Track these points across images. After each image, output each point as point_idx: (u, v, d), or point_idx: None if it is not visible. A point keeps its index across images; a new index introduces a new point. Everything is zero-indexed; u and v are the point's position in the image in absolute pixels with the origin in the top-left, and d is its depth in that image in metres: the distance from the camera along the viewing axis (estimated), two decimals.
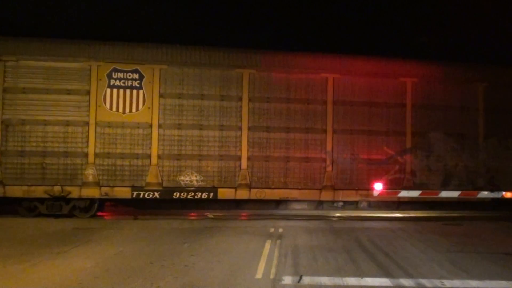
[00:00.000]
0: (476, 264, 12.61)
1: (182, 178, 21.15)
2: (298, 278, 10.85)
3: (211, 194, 21.31)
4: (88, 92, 20.76)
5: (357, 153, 22.28)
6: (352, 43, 34.93)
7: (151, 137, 21.10)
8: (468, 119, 23.13)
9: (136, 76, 21.03)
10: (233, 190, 21.50)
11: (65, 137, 20.66)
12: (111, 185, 20.80)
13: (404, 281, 10.74)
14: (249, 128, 21.65)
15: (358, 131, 22.37)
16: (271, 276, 11.03)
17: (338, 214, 23.44)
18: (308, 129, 22.07)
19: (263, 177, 21.72)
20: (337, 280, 10.72)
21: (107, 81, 20.83)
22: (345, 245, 15.14)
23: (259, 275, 11.16)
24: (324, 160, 22.08)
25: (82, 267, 11.52)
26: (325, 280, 10.73)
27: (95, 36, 22.30)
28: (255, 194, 21.55)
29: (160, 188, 21.00)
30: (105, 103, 20.77)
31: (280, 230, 18.15)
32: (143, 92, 21.01)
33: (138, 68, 21.06)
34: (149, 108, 21.02)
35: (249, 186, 21.50)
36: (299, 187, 21.94)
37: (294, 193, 21.94)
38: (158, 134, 21.10)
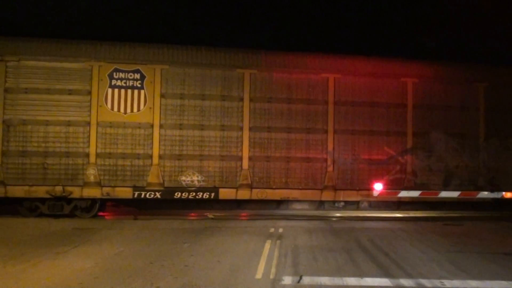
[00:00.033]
0: (476, 264, 12.65)
1: (184, 178, 21.18)
2: (298, 278, 10.86)
3: (212, 194, 21.35)
4: (89, 92, 20.80)
5: (358, 153, 22.35)
6: (353, 43, 34.94)
7: (152, 137, 21.15)
8: (468, 119, 23.21)
9: (137, 76, 21.07)
10: (234, 190, 21.56)
11: (66, 137, 20.69)
12: (113, 185, 20.85)
13: (404, 281, 10.77)
14: (250, 128, 21.71)
15: (359, 131, 22.45)
16: (271, 276, 11.03)
17: (338, 214, 23.49)
18: (309, 129, 22.14)
19: (264, 177, 21.77)
20: (337, 280, 10.73)
21: (109, 81, 20.88)
22: (345, 245, 15.19)
23: (259, 275, 11.17)
24: (325, 160, 22.13)
25: (82, 267, 11.55)
26: (325, 280, 10.74)
27: (96, 36, 22.34)
28: (256, 194, 21.59)
29: (162, 188, 21.05)
30: (106, 103, 20.80)
31: (280, 230, 18.19)
32: (145, 92, 21.05)
33: (140, 68, 21.09)
34: (150, 108, 21.08)
35: (250, 186, 21.55)
36: (300, 187, 22.00)
37: (295, 193, 22.00)
38: (160, 134, 21.15)
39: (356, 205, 23.44)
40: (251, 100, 21.76)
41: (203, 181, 21.32)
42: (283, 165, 21.88)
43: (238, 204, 23.39)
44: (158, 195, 20.98)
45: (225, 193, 21.56)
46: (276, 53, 22.59)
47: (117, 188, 20.83)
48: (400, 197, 22.55)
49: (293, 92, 22.13)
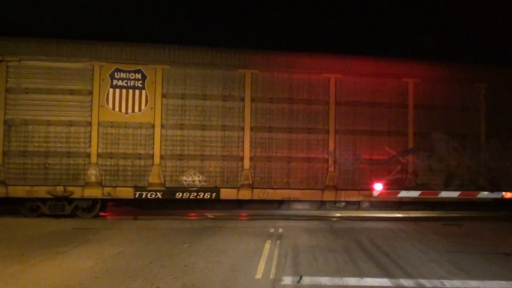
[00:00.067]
0: (476, 264, 12.73)
1: (185, 178, 21.21)
2: (298, 278, 10.93)
3: (214, 195, 21.38)
4: (90, 92, 20.83)
5: (359, 153, 22.37)
6: (354, 43, 34.98)
7: (153, 137, 21.19)
8: (469, 119, 23.26)
9: (138, 76, 21.10)
10: (235, 190, 21.59)
11: (67, 137, 20.71)
12: (114, 185, 20.88)
13: (404, 281, 10.83)
14: (251, 129, 21.75)
15: (360, 131, 22.50)
16: (271, 276, 11.09)
17: (338, 214, 23.59)
18: (310, 130, 22.18)
19: (265, 178, 21.80)
20: (337, 281, 10.80)
21: (110, 81, 20.92)
22: (345, 245, 15.25)
23: (259, 275, 11.23)
24: (326, 161, 22.17)
25: (82, 267, 11.62)
26: (325, 280, 10.82)
27: (97, 36, 22.38)
28: (258, 194, 21.61)
29: (163, 188, 21.08)
30: (107, 103, 20.82)
31: (280, 230, 18.27)
32: (146, 92, 21.08)
33: (141, 68, 21.13)
34: (151, 108, 21.11)
35: (252, 187, 21.60)
36: (301, 188, 22.04)
37: (296, 194, 22.03)
38: (161, 134, 21.19)
39: (357, 205, 23.43)
40: (252, 100, 21.80)
41: (204, 181, 21.34)
42: (284, 165, 21.92)
43: (239, 204, 23.37)
44: (159, 195, 21.01)
45: (226, 193, 21.58)
46: (278, 53, 22.66)
47: (118, 188, 20.85)
48: (401, 197, 22.56)
49: (294, 92, 22.18)
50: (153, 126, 21.14)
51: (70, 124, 20.69)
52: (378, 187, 22.12)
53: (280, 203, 23.44)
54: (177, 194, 21.19)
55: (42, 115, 20.55)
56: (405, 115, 22.80)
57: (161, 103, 21.20)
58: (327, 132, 22.24)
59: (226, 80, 21.74)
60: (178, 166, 21.30)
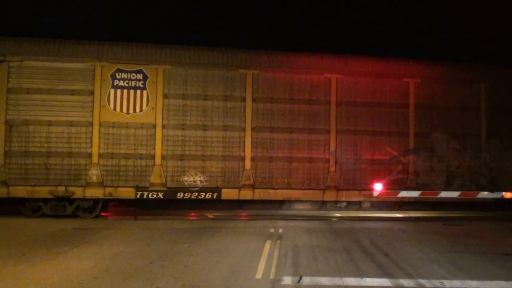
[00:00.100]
0: (475, 265, 12.74)
1: (186, 178, 21.26)
2: (298, 278, 10.95)
3: (215, 195, 21.44)
4: (92, 93, 20.91)
5: (360, 153, 22.46)
6: (355, 43, 34.97)
7: (155, 138, 21.26)
8: (470, 119, 23.36)
9: (140, 76, 21.16)
10: (236, 190, 21.66)
11: (69, 138, 20.79)
12: (115, 185, 20.95)
13: (403, 282, 10.85)
14: (252, 129, 21.83)
15: (361, 132, 22.59)
16: (271, 277, 11.10)
17: (338, 215, 23.68)
18: (312, 130, 22.26)
19: (266, 178, 21.87)
20: (337, 281, 10.82)
21: (111, 82, 21.01)
22: (345, 245, 15.26)
23: (259, 275, 11.24)
24: (328, 161, 22.24)
25: (82, 267, 11.64)
26: (325, 280, 10.82)
27: (99, 37, 22.37)
28: (259, 194, 21.66)
29: (164, 189, 21.15)
30: (109, 103, 20.88)
31: (280, 230, 18.31)
32: (147, 92, 21.15)
33: (142, 68, 21.20)
34: (153, 108, 21.17)
35: (253, 187, 21.65)
36: (303, 188, 22.12)
37: (297, 194, 22.08)
38: (162, 135, 21.26)
39: (358, 205, 23.49)
40: (253, 100, 21.86)
41: (205, 181, 21.39)
42: (286, 165, 21.99)
43: (240, 204, 23.49)
44: (160, 195, 21.06)
45: (228, 193, 21.65)
46: (279, 53, 22.74)
47: (119, 189, 20.92)
48: (402, 197, 22.61)
49: (296, 92, 22.26)
50: (154, 126, 21.21)
51: (72, 124, 20.77)
52: (378, 187, 22.17)
53: (281, 203, 23.59)
54: (178, 194, 21.25)
55: (43, 115, 20.63)
56: (406, 115, 22.89)
57: (163, 103, 21.27)
58: (328, 132, 22.32)
59: (227, 80, 21.82)
60: (179, 166, 21.36)
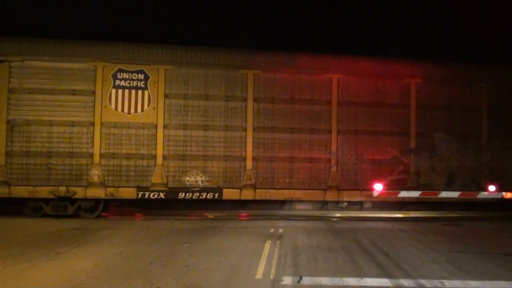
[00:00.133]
0: (476, 265, 12.77)
1: (187, 178, 21.29)
2: (298, 278, 10.97)
3: (216, 195, 21.48)
4: (93, 93, 20.97)
5: (362, 153, 22.55)
6: (356, 44, 34.98)
7: (156, 138, 21.31)
8: (471, 119, 23.41)
9: (141, 76, 21.20)
10: (238, 190, 21.70)
11: (70, 138, 20.84)
12: (117, 185, 21.01)
13: (404, 282, 10.86)
14: (254, 129, 21.86)
15: (362, 132, 22.66)
16: (271, 277, 11.11)
17: (338, 215, 23.75)
18: (313, 130, 22.32)
19: (268, 178, 21.91)
20: (337, 281, 10.84)
21: (112, 82, 21.05)
22: (345, 245, 15.31)
23: (259, 275, 11.26)
24: (329, 161, 22.28)
25: (82, 268, 11.66)
26: (325, 280, 10.84)
27: (100, 37, 22.43)
28: (260, 194, 21.71)
29: (165, 189, 21.19)
30: (110, 103, 20.93)
31: (280, 230, 18.38)
32: (148, 92, 21.20)
33: (143, 68, 21.24)
34: (154, 108, 21.22)
35: (254, 187, 21.70)
36: (304, 188, 22.17)
37: (298, 194, 22.15)
38: (163, 135, 21.31)
39: (359, 205, 23.52)
40: (254, 100, 21.91)
41: (207, 181, 21.44)
42: (287, 165, 22.03)
43: (241, 204, 23.54)
44: (162, 195, 21.11)
45: (229, 194, 21.71)
46: (280, 53, 22.78)
47: (121, 189, 20.98)
48: (402, 197, 22.62)
49: (297, 92, 22.31)
50: (155, 127, 21.26)
51: (73, 124, 20.83)
52: (378, 187, 22.20)
53: (282, 203, 23.70)
54: (179, 194, 21.30)
55: (44, 116, 20.68)
56: (407, 115, 22.95)
57: (164, 103, 21.33)
58: (330, 132, 22.38)
59: (228, 81, 21.88)
60: (180, 166, 21.41)
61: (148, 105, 21.17)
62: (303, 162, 22.13)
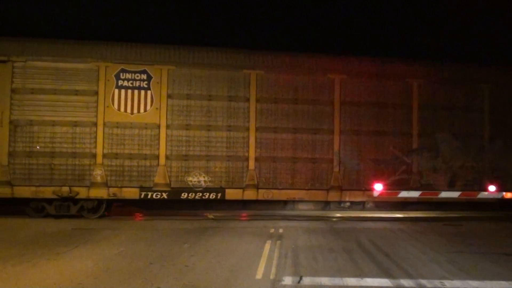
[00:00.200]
0: (476, 265, 12.90)
1: (190, 178, 21.35)
2: (298, 278, 11.04)
3: (219, 195, 21.55)
4: (96, 93, 21.04)
5: (364, 153, 22.62)
6: (358, 44, 34.98)
7: (159, 138, 21.40)
8: (473, 119, 23.45)
9: (144, 76, 21.26)
10: (240, 190, 21.81)
11: (73, 138, 20.91)
12: (119, 185, 21.10)
13: (404, 282, 10.94)
14: (256, 129, 21.96)
15: (365, 132, 22.76)
16: (271, 277, 11.18)
17: (338, 215, 23.81)
18: (315, 130, 22.41)
19: (270, 178, 22.01)
20: (337, 281, 10.92)
21: (115, 82, 21.10)
22: (345, 245, 15.45)
23: (259, 275, 11.33)
24: (331, 161, 22.37)
25: (82, 268, 11.77)
26: (325, 280, 10.92)
27: (103, 37, 22.46)
28: (263, 194, 21.79)
29: (168, 189, 21.30)
30: (113, 103, 21.00)
31: (280, 230, 18.55)
32: (151, 92, 21.25)
33: (146, 68, 21.31)
34: (157, 108, 21.31)
35: (257, 187, 21.82)
36: (306, 188, 22.28)
37: (301, 194, 22.23)
38: (166, 135, 21.39)
39: (362, 205, 23.55)
40: (257, 100, 22.01)
41: (209, 181, 21.53)
42: (289, 165, 22.13)
43: (244, 204, 23.59)
44: (164, 195, 21.21)
45: (232, 194, 21.82)
46: (282, 54, 22.91)
47: (124, 189, 21.08)
48: (404, 198, 22.67)
49: (299, 92, 22.43)
50: (158, 127, 21.36)
51: (76, 124, 20.90)
52: (378, 187, 22.24)
53: (284, 203, 23.84)
54: (182, 194, 21.40)
55: (47, 116, 20.75)
56: (409, 116, 23.06)
57: (167, 104, 21.41)
58: (332, 132, 22.48)
59: (231, 81, 21.97)
60: (183, 166, 21.50)
61: (151, 105, 21.24)
62: (306, 162, 22.24)
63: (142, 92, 21.25)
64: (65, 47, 21.09)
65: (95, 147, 20.89)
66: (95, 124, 20.91)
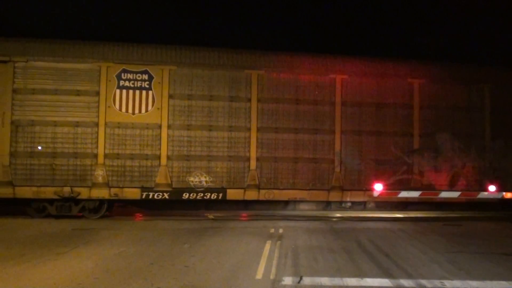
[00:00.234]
0: (476, 265, 12.91)
1: (191, 179, 21.40)
2: (298, 278, 11.06)
3: (220, 195, 21.63)
4: (97, 93, 21.14)
5: (365, 154, 22.71)
6: (359, 44, 34.98)
7: (160, 138, 21.50)
8: (474, 119, 23.48)
9: (145, 77, 21.34)
10: (242, 191, 21.90)
11: (74, 138, 21.00)
12: (121, 186, 21.21)
13: (404, 282, 10.96)
14: (258, 129, 22.04)
15: (366, 132, 22.88)
16: (271, 277, 11.19)
17: (338, 215, 23.95)
18: (317, 130, 22.52)
19: (271, 178, 22.10)
20: (337, 281, 10.93)
21: (117, 82, 21.22)
22: (345, 245, 15.50)
23: (259, 275, 11.35)
24: (332, 161, 22.46)
25: (83, 268, 11.79)
26: (325, 280, 10.93)
27: (104, 37, 22.46)
28: (264, 195, 21.86)
29: (170, 189, 21.38)
30: (114, 104, 21.04)
31: (280, 230, 18.61)
32: (153, 93, 21.30)
33: (148, 69, 21.38)
34: (158, 109, 21.37)
35: (258, 187, 21.89)
36: (308, 188, 22.36)
37: (302, 194, 22.31)
38: (168, 135, 21.48)
39: (363, 205, 23.55)
40: (258, 101, 22.09)
41: (211, 181, 21.59)
42: (291, 165, 22.20)
43: (245, 204, 23.63)
44: (166, 195, 21.26)
45: (233, 194, 21.91)
46: (284, 54, 23.01)
47: (125, 189, 21.16)
48: (405, 198, 22.69)
49: (301, 93, 22.51)
50: (160, 127, 21.44)
51: (77, 124, 21.00)
52: (378, 187, 22.25)
53: (286, 203, 23.90)
54: (184, 194, 21.47)
55: (49, 116, 20.86)
56: (410, 116, 23.17)
57: (168, 104, 21.48)
58: (333, 132, 22.59)
59: (232, 81, 22.06)
60: (185, 166, 21.59)
61: (152, 105, 21.30)
62: (307, 162, 22.32)
63: (144, 92, 21.31)
64: (66, 47, 21.18)
65: (97, 147, 20.97)
66: (97, 124, 21.00)
